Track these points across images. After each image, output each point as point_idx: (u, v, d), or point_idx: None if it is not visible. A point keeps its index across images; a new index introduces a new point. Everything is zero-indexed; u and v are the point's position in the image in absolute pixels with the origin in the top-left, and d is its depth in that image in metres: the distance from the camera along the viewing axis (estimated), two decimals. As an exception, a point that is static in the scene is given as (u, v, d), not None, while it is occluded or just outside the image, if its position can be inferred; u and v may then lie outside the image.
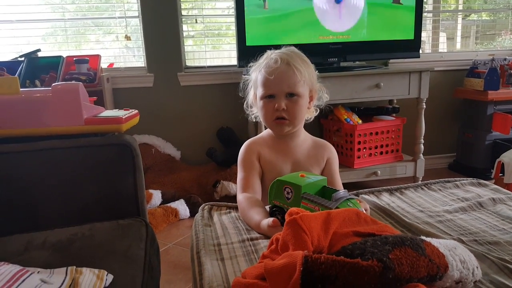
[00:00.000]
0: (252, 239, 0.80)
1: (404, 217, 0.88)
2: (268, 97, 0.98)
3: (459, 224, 0.87)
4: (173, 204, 1.98)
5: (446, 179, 1.16)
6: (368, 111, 2.39)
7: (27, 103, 1.10)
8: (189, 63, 2.46)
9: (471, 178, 1.17)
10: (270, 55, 1.00)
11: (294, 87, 0.97)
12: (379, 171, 2.25)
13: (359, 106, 2.37)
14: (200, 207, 0.98)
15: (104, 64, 2.28)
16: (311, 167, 1.04)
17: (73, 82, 1.13)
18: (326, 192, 0.83)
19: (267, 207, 0.90)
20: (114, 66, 2.36)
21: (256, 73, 1.02)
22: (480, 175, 2.36)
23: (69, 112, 1.08)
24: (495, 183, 1.83)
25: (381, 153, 2.27)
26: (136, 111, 1.21)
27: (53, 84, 1.11)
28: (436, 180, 1.15)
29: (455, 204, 0.98)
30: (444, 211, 0.94)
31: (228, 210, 0.98)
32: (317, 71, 1.06)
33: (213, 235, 0.84)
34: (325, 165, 1.07)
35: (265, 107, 0.99)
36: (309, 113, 1.06)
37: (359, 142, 2.19)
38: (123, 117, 1.09)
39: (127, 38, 2.34)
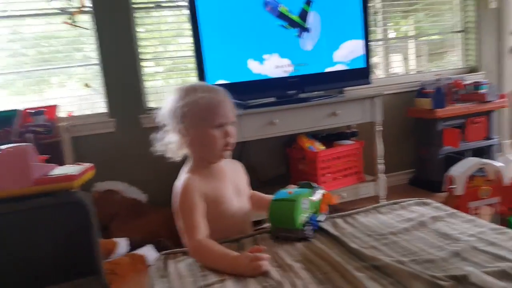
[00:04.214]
0: (208, 285, 0.84)
1: (353, 244, 0.97)
2: (218, 126, 1.04)
3: (402, 245, 0.96)
4: (140, 251, 1.95)
5: (394, 201, 1.26)
6: (330, 137, 2.52)
7: (-28, 167, 1.07)
8: (155, 102, 2.51)
9: (417, 198, 1.28)
10: (204, 86, 1.09)
11: (235, 115, 1.08)
12: (344, 194, 2.35)
13: (321, 133, 2.50)
14: (155, 258, 1.01)
15: (63, 114, 2.28)
16: (242, 181, 1.17)
17: (19, 144, 1.10)
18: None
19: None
20: (74, 114, 2.37)
21: (197, 106, 1.03)
22: (438, 188, 2.51)
23: (17, 174, 1.06)
24: (447, 196, 1.98)
25: (345, 176, 2.39)
26: (91, 164, 1.23)
27: (-3, 148, 1.10)
28: (385, 203, 1.25)
29: (400, 225, 1.08)
30: (390, 233, 1.04)
31: (184, 257, 1.00)
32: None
33: (169, 286, 0.86)
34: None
35: (216, 135, 1.04)
36: None
37: (322, 168, 2.30)
38: (76, 174, 1.10)
39: (87, 86, 2.39)
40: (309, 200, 1.06)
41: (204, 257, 0.95)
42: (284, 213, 1.01)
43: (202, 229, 1.00)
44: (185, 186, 1.03)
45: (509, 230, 0.99)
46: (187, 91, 1.06)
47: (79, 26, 2.31)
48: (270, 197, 1.18)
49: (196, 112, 1.03)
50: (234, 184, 1.13)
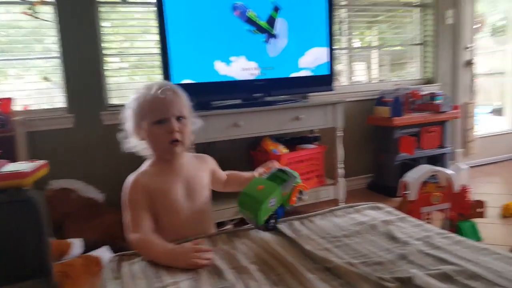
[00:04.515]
0: (162, 287, 0.84)
1: (307, 245, 1.00)
2: (158, 123, 1.05)
3: (354, 248, 1.00)
4: (95, 252, 1.89)
5: (349, 204, 1.31)
6: (293, 141, 2.57)
7: None
8: (118, 99, 2.45)
9: (370, 203, 1.33)
10: (151, 86, 1.08)
11: (182, 110, 1.07)
12: (306, 197, 2.40)
13: (285, 136, 2.55)
14: (109, 260, 1.00)
15: (19, 107, 2.19)
16: (200, 180, 1.15)
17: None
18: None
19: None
20: (31, 108, 2.27)
21: (137, 104, 1.07)
22: (394, 193, 2.62)
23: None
24: (402, 201, 2.07)
25: (307, 179, 2.44)
26: (44, 161, 1.20)
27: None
28: (341, 206, 1.30)
29: (352, 228, 1.12)
30: (343, 235, 1.08)
31: (139, 258, 0.99)
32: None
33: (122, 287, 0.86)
34: (214, 175, 1.22)
35: (158, 132, 1.05)
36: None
37: (285, 171, 2.33)
38: (28, 171, 1.07)
39: (46, 79, 2.30)
40: (277, 198, 1.09)
41: (145, 249, 0.98)
42: (250, 208, 1.05)
43: (145, 224, 1.02)
44: (130, 182, 1.07)
45: (453, 235, 1.06)
46: (138, 91, 1.09)
47: (39, 18, 2.21)
48: (247, 175, 1.24)
49: (137, 111, 1.07)
50: (189, 182, 1.12)
